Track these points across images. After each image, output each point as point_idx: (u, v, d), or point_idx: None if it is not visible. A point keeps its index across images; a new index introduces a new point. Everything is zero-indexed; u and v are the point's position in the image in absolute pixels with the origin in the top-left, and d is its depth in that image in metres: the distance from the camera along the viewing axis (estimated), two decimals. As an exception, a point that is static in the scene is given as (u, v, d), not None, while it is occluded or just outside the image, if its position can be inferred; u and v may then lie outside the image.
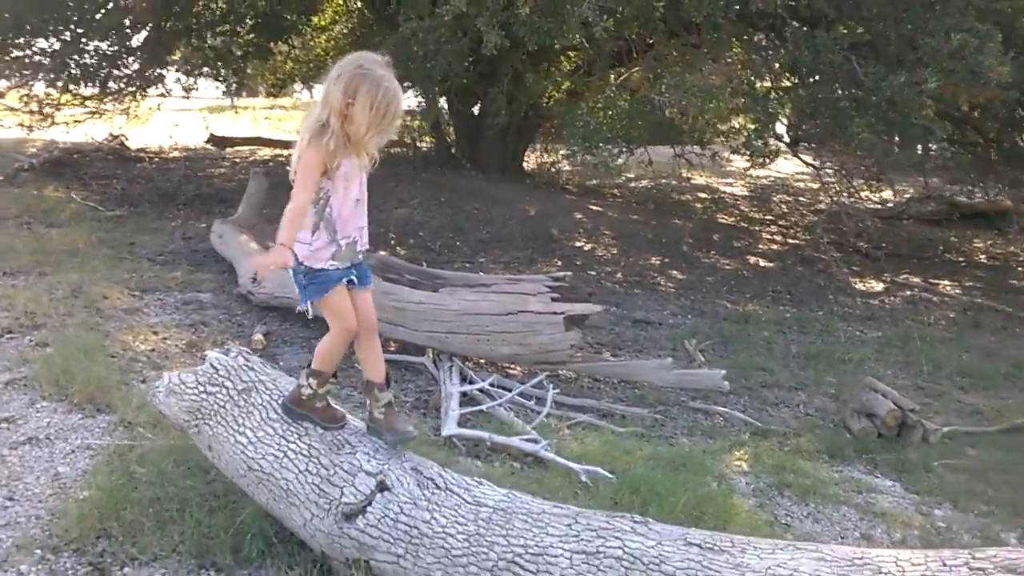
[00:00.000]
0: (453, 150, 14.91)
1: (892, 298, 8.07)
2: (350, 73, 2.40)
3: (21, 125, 11.97)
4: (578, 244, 9.55)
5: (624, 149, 7.96)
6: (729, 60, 7.51)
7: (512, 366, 5.01)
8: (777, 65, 7.84)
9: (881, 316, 7.31)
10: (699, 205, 13.77)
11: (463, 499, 2.49)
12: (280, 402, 2.69)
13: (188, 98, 15.18)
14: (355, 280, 2.64)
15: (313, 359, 2.67)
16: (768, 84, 8.15)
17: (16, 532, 2.66)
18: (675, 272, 8.71)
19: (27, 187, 9.64)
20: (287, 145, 16.91)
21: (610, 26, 5.51)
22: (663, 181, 14.68)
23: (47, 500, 2.86)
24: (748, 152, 6.79)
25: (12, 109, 11.76)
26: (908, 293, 8.32)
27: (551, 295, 4.64)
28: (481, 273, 6.39)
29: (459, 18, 5.77)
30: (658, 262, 9.08)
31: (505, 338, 4.66)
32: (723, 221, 12.47)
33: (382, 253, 5.53)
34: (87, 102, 12.24)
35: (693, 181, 15.70)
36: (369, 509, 2.44)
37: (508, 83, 8.64)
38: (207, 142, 16.38)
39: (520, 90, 8.92)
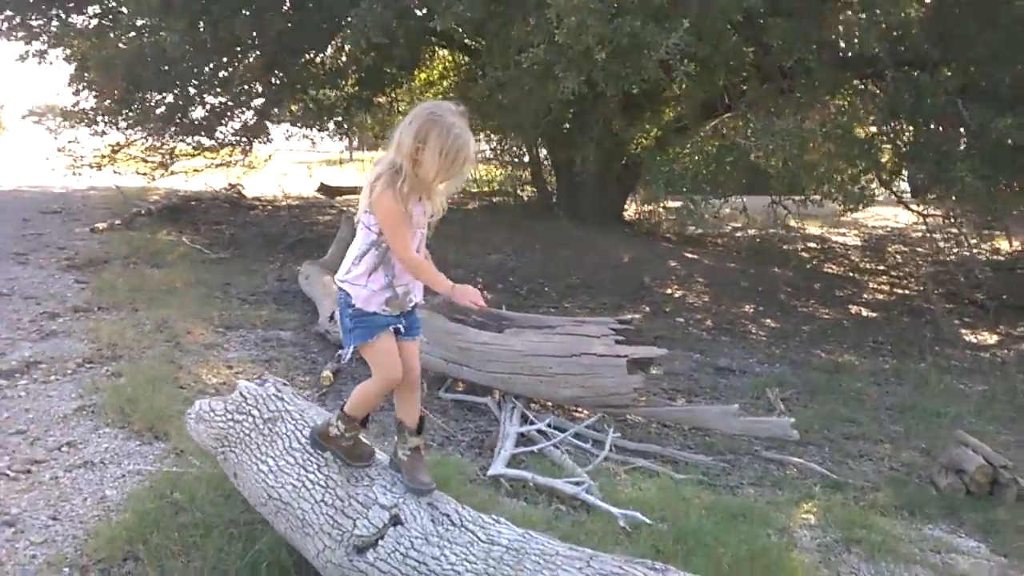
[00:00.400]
0: (553, 199, 15.05)
1: (1004, 351, 7.52)
2: (422, 119, 2.43)
3: (142, 174, 12.88)
4: (669, 291, 9.38)
5: (711, 196, 7.77)
6: (824, 105, 7.28)
7: (580, 410, 4.94)
8: (875, 109, 7.53)
9: (989, 370, 6.81)
10: (805, 254, 13.33)
11: (477, 537, 2.43)
12: (308, 432, 2.71)
13: (311, 150, 16.05)
14: (402, 329, 2.62)
15: (348, 401, 2.66)
16: (869, 130, 7.84)
17: (51, 550, 2.76)
18: (768, 320, 8.42)
19: (142, 231, 10.28)
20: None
21: (691, 70, 5.43)
22: (771, 231, 14.27)
23: (88, 521, 2.97)
24: (842, 198, 6.52)
25: (134, 158, 12.61)
26: (1022, 347, 7.75)
27: (615, 338, 4.56)
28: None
29: (540, 65, 5.84)
30: (751, 310, 8.80)
31: (567, 380, 4.58)
32: (829, 271, 12.02)
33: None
34: (204, 153, 13.05)
35: (804, 231, 15.25)
36: (381, 543, 2.42)
37: (598, 131, 8.64)
38: (318, 191, 17.14)
39: (608, 138, 8.91)
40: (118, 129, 11.54)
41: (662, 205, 7.68)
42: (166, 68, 9.75)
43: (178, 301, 6.41)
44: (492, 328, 4.93)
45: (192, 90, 11.25)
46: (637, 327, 4.71)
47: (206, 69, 10.90)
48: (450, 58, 15.66)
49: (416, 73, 15.82)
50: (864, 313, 9.02)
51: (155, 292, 6.64)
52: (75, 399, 4.21)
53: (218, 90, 10.68)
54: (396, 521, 2.46)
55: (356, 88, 12.56)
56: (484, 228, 12.56)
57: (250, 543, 2.69)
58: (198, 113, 11.61)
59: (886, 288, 10.58)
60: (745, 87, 8.37)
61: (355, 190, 18.38)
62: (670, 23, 5.45)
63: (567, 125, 9.21)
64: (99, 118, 11.18)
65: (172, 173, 13.30)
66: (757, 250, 12.79)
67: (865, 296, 9.96)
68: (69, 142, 11.87)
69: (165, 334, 5.49)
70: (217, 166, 13.54)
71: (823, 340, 7.65)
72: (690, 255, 11.57)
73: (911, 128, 7.18)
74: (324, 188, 17.48)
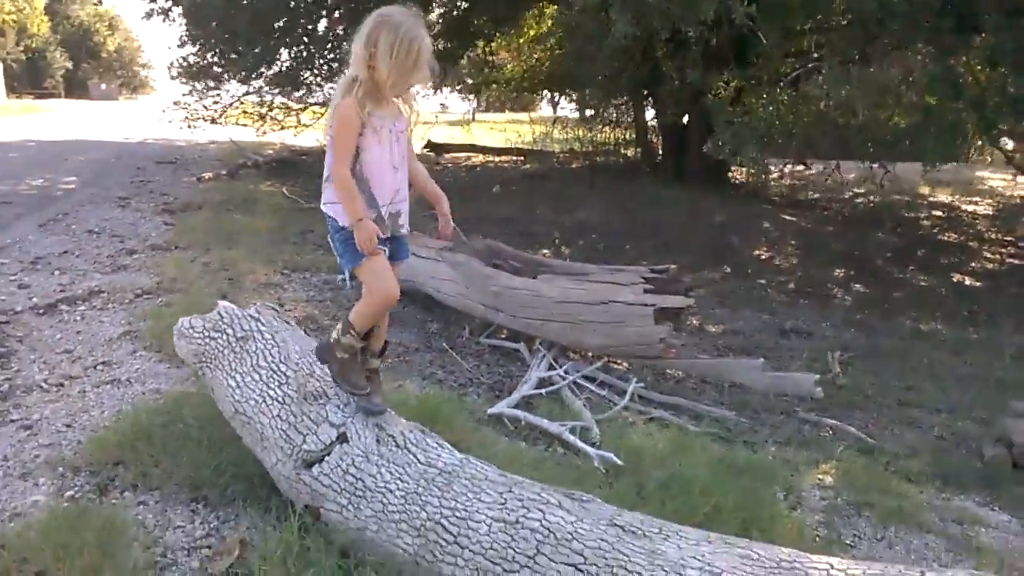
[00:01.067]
0: (658, 159, 14.72)
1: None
2: (371, 24, 2.41)
3: (253, 127, 13.43)
4: (756, 253, 9.03)
5: (785, 155, 7.32)
6: (917, 52, 6.69)
7: (619, 361, 4.85)
8: (967, 59, 6.84)
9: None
10: (926, 222, 12.51)
11: (416, 459, 2.43)
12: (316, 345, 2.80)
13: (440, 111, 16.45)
14: (386, 251, 2.56)
15: (350, 313, 2.63)
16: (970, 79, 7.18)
17: (54, 452, 2.96)
18: (857, 286, 7.98)
19: (244, 181, 10.75)
20: (499, 152, 17.53)
21: (752, 10, 5.13)
22: (895, 197, 13.43)
23: (97, 431, 3.17)
24: (928, 154, 6.05)
25: (246, 113, 13.17)
26: None
27: (644, 287, 4.43)
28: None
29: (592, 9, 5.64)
30: (841, 274, 8.36)
31: (595, 328, 4.51)
32: (945, 238, 11.23)
33: (488, 240, 5.53)
34: (312, 109, 13.48)
35: (933, 199, 14.33)
36: (327, 459, 2.47)
37: (677, 87, 8.31)
38: (425, 147, 17.41)
39: (683, 90, 8.56)
40: (215, 81, 12.01)
41: (727, 158, 7.25)
42: (254, 20, 10.05)
43: (252, 244, 6.67)
44: (526, 274, 4.88)
45: (281, 42, 11.53)
46: (671, 277, 4.53)
47: (299, 21, 11.16)
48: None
49: (522, 28, 15.75)
50: (967, 282, 8.40)
51: (234, 235, 6.94)
52: (123, 325, 4.47)
53: (305, 41, 10.89)
54: (343, 439, 2.49)
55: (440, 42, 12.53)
56: (579, 187, 12.43)
57: (222, 455, 2.78)
58: (284, 64, 11.83)
59: (997, 258, 9.80)
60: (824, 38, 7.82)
61: (462, 148, 18.61)
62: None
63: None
64: (202, 70, 11.66)
65: (282, 127, 13.80)
66: (873, 215, 12.08)
67: (973, 265, 9.26)
68: (183, 95, 12.53)
69: (228, 272, 5.74)
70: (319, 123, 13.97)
71: (911, 307, 7.19)
72: (788, 217, 11.08)
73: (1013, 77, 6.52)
74: (431, 145, 17.75)
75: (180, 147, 15.27)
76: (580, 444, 3.30)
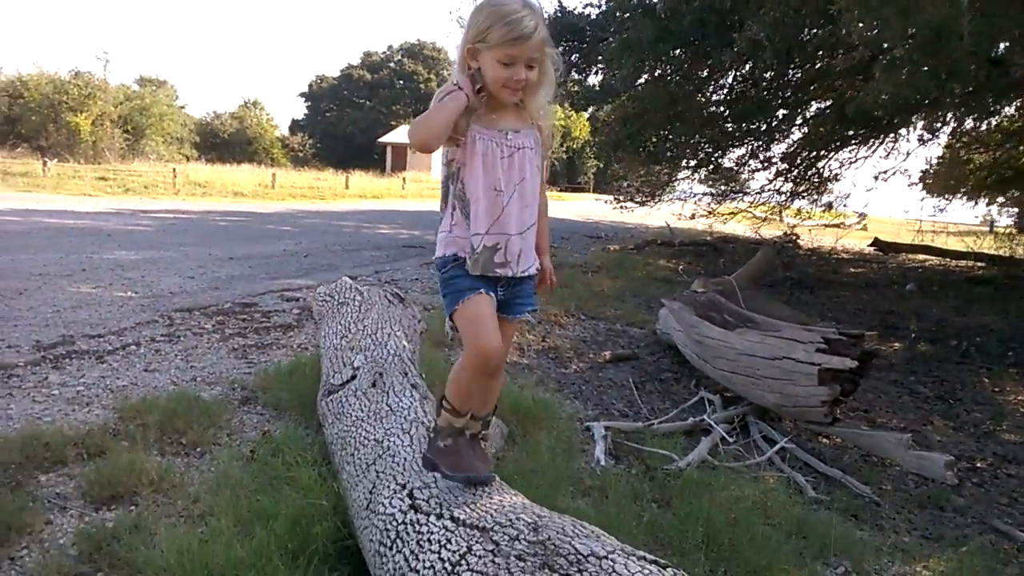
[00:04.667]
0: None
1: None
2: (469, 19, 2.09)
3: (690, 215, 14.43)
4: None
5: None
6: None
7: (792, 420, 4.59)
8: None
9: None
10: None
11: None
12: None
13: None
14: (497, 297, 2.15)
15: (446, 386, 2.23)
16: None
17: (240, 376, 4.14)
18: None
19: (644, 255, 11.70)
20: (956, 256, 15.95)
21: None
22: None
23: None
24: None
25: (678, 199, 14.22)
26: None
27: (819, 346, 4.19)
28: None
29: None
30: None
31: (771, 384, 4.37)
32: None
33: (711, 292, 5.56)
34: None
35: None
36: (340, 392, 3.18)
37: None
38: (871, 245, 16.59)
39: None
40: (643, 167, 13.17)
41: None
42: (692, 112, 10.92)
43: (579, 294, 7.56)
44: (730, 325, 4.91)
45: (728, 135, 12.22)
46: (856, 341, 4.20)
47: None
48: None
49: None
50: None
51: (573, 285, 7.90)
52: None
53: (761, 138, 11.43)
54: (353, 378, 3.18)
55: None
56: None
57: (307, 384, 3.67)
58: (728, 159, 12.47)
59: None
60: None
61: (913, 248, 17.27)
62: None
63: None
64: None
65: (724, 216, 14.60)
66: None
67: None
68: (615, 180, 14.09)
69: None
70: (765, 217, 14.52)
71: None
72: None
73: None
74: (878, 243, 16.82)
75: (624, 227, 16.99)
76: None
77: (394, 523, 2.07)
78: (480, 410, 2.26)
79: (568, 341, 6.14)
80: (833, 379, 4.12)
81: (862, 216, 19.71)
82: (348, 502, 2.43)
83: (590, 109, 13.03)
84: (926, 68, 5.61)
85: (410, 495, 2.16)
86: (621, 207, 14.27)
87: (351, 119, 57.85)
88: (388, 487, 2.24)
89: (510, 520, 1.93)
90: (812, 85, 10.71)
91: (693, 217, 14.71)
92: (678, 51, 9.77)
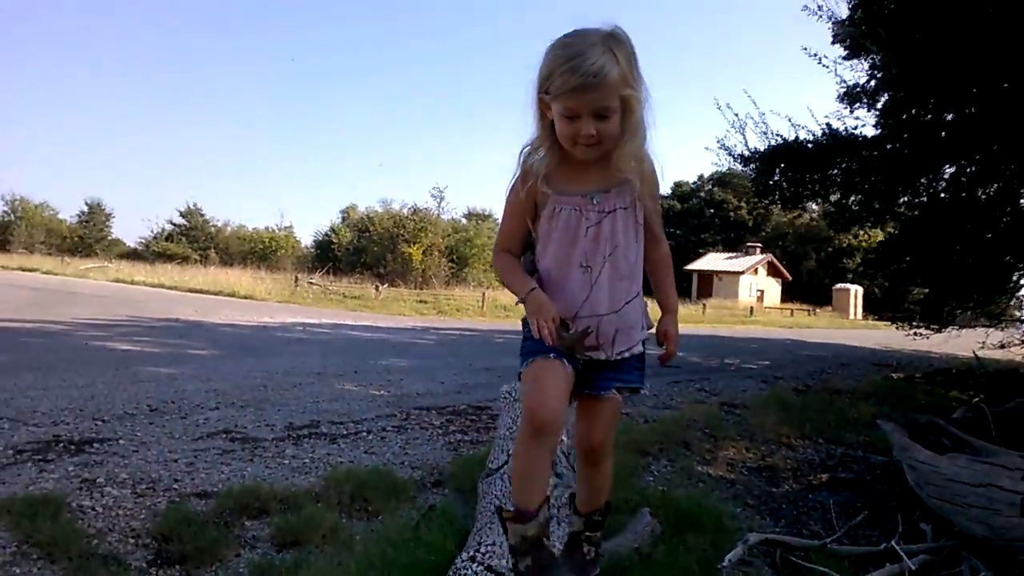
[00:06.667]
0: None
1: None
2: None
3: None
4: None
5: None
6: None
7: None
8: None
9: None
10: None
11: None
12: None
13: None
14: (582, 377, 1.95)
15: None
16: None
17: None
18: None
19: (932, 385, 10.73)
20: None
21: None
22: None
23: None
24: None
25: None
26: None
27: (1026, 473, 3.79)
28: None
29: None
30: None
31: (976, 514, 4.00)
32: None
33: (932, 416, 5.08)
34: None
35: None
36: (495, 475, 3.54)
37: None
38: None
39: None
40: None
41: None
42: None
43: (810, 418, 7.29)
44: (943, 449, 4.55)
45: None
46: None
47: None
48: None
49: None
50: None
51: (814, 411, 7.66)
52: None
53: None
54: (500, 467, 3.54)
55: None
56: None
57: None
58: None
59: None
60: None
61: None
62: None
63: None
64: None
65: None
66: None
67: None
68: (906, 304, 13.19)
69: (740, 413, 6.63)
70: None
71: None
72: None
73: None
74: None
75: (926, 356, 15.70)
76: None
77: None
78: (583, 502, 2.01)
79: (791, 462, 5.95)
80: (1043, 512, 3.70)
81: None
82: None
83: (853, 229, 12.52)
84: None
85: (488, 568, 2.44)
86: (914, 334, 13.30)
87: (660, 248, 60.20)
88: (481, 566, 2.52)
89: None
90: None
91: (1003, 347, 13.27)
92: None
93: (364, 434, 5.29)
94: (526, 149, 1.84)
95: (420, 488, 4.17)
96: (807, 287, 58.19)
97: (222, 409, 5.73)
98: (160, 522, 3.26)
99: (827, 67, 9.87)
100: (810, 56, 9.71)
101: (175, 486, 3.84)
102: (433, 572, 2.75)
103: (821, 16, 9.69)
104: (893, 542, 4.13)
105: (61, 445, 4.43)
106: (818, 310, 49.47)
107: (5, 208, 59.38)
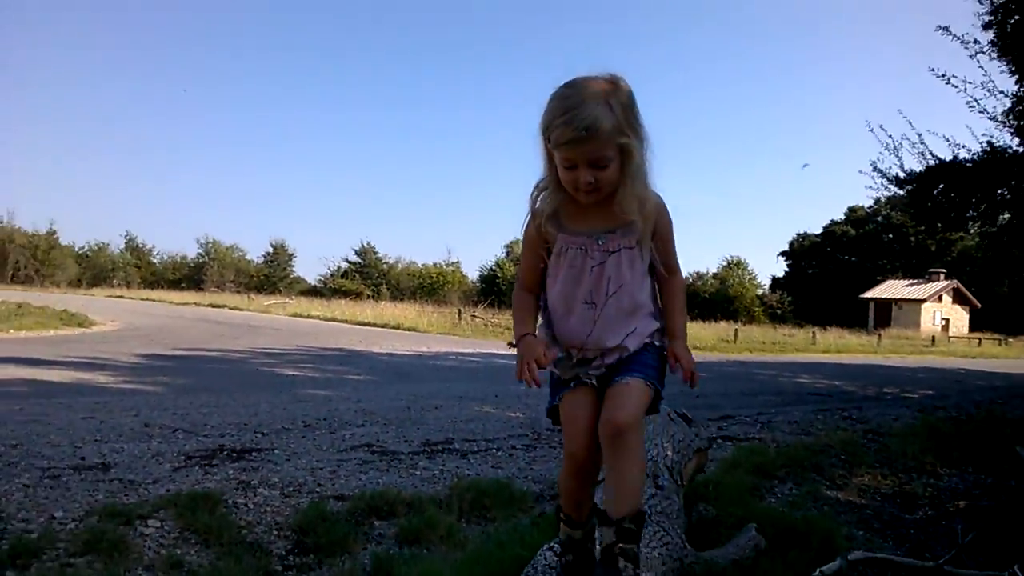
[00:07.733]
0: None
1: None
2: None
3: None
4: None
5: None
6: None
7: None
8: None
9: None
10: None
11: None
12: None
13: None
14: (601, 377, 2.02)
15: None
16: None
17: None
18: None
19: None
20: None
21: None
22: None
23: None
24: None
25: None
26: None
27: None
28: None
29: None
30: None
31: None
32: None
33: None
34: None
35: None
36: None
37: None
38: None
39: None
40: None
41: None
42: None
43: (958, 446, 6.92)
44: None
45: None
46: None
47: None
48: None
49: None
50: None
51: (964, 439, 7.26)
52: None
53: None
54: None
55: None
56: None
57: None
58: None
59: None
60: None
61: None
62: None
63: None
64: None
65: None
66: None
67: None
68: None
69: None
70: None
71: None
72: None
73: None
74: None
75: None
76: None
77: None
78: (612, 503, 1.89)
79: (930, 490, 5.71)
80: None
81: None
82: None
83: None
84: None
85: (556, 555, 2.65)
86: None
87: (833, 275, 57.41)
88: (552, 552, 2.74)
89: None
90: None
91: None
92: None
93: (494, 451, 5.60)
94: (537, 188, 1.95)
95: (538, 499, 4.41)
96: (1001, 315, 53.71)
97: (367, 426, 6.24)
98: (300, 518, 3.69)
99: (988, 88, 9.43)
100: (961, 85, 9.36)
101: (317, 489, 4.29)
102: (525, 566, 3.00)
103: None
104: (1017, 567, 3.99)
105: (225, 453, 5.02)
106: (1011, 340, 45.45)
107: (200, 251, 65.46)
